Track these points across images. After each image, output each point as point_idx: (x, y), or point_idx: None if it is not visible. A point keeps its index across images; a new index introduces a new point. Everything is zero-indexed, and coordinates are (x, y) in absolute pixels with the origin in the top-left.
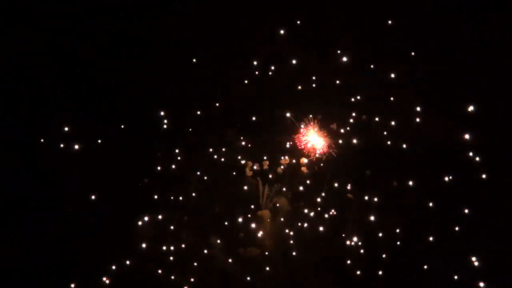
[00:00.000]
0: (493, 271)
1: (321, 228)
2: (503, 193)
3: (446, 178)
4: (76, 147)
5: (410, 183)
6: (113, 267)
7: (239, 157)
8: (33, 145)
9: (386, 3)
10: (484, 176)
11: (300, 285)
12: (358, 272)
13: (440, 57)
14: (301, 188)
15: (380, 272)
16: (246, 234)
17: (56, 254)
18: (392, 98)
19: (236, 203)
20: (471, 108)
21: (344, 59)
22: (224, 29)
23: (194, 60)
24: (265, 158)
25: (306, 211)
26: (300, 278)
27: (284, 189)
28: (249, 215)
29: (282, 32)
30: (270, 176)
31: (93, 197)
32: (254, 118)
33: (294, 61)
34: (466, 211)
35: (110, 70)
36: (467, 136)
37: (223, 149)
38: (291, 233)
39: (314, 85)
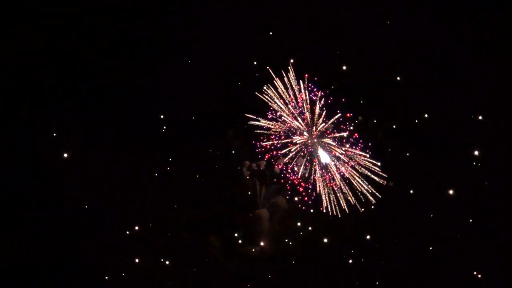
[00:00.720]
0: (495, 282)
1: (319, 228)
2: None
3: (451, 191)
4: (76, 147)
5: (411, 191)
6: (113, 268)
7: (237, 157)
8: (33, 145)
9: (386, 3)
10: (487, 183)
11: (300, 284)
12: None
13: (440, 57)
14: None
15: (377, 283)
16: (244, 233)
17: (56, 254)
18: (390, 99)
19: (235, 203)
20: (471, 109)
21: (344, 59)
22: (224, 29)
23: (194, 60)
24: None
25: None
26: (299, 277)
27: (281, 188)
28: (247, 215)
29: (282, 32)
30: (268, 175)
31: (92, 197)
32: (253, 119)
33: (292, 60)
34: (470, 220)
35: (110, 70)
36: (467, 137)
37: (222, 150)
38: (289, 232)
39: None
